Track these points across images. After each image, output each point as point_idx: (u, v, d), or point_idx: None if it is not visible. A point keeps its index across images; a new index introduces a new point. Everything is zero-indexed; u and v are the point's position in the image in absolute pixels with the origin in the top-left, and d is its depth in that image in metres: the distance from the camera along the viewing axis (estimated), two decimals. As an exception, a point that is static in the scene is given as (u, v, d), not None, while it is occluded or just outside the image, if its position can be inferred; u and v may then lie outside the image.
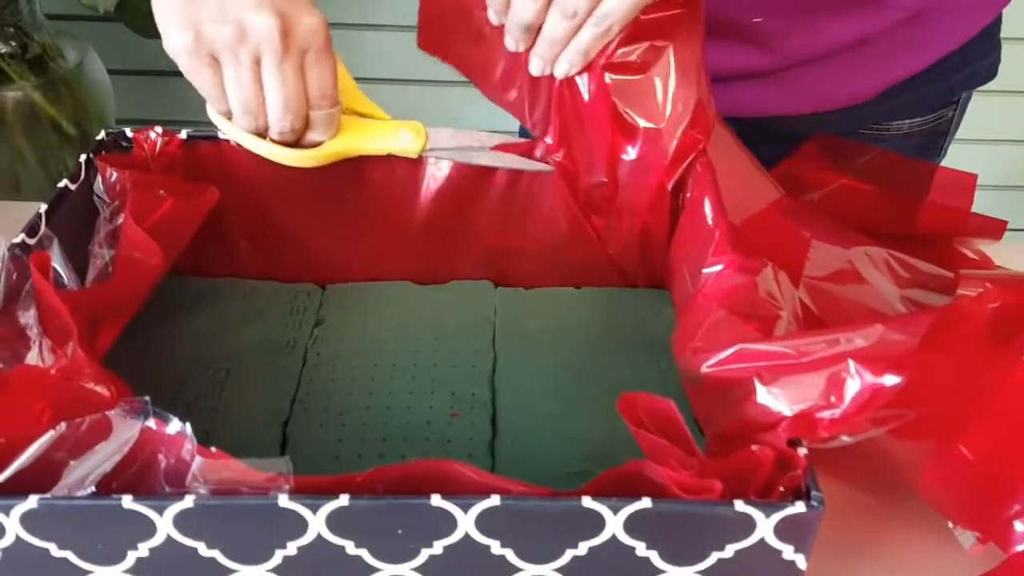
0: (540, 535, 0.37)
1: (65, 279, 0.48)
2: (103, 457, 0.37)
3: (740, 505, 0.36)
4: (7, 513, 0.36)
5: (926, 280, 0.58)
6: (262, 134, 0.54)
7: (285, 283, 0.63)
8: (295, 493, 0.36)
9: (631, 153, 0.56)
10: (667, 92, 0.53)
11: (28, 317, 0.45)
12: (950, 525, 0.45)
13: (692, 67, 0.53)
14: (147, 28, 1.20)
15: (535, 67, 0.55)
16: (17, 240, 0.48)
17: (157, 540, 0.37)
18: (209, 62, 0.50)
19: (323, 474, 0.37)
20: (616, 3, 0.50)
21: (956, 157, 0.77)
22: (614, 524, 0.36)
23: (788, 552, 0.37)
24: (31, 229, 0.49)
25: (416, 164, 0.59)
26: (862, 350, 0.38)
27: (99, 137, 0.58)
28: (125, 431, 0.38)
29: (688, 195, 0.55)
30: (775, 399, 0.39)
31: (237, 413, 0.53)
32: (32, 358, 0.43)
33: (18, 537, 0.37)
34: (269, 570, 0.38)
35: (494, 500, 0.36)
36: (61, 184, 0.53)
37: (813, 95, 0.71)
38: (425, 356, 0.57)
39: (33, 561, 0.37)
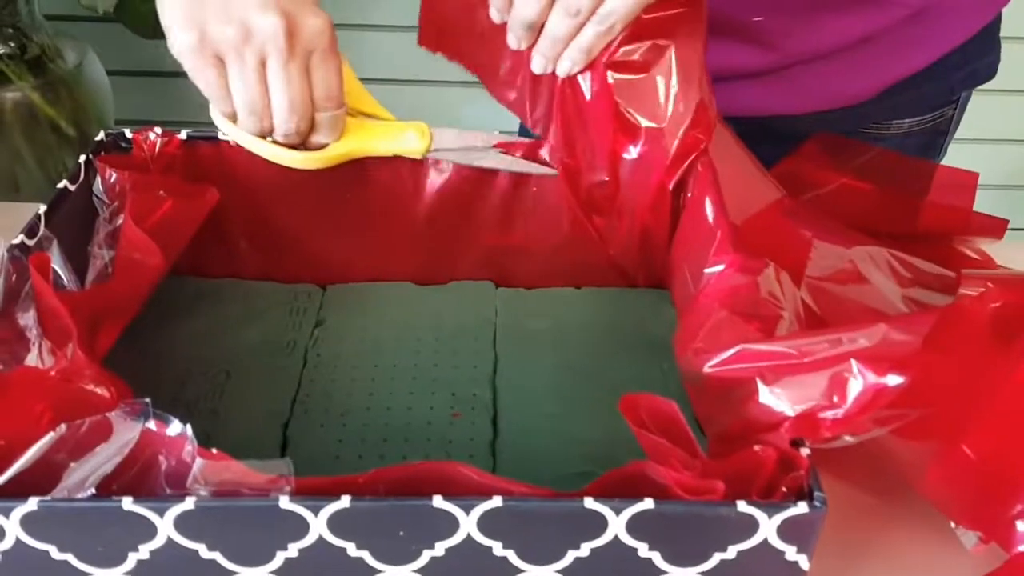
0: (542, 536, 0.37)
1: (65, 280, 0.48)
2: (103, 459, 0.37)
3: (742, 506, 0.36)
4: (7, 515, 0.36)
5: (928, 280, 0.58)
6: (266, 136, 0.54)
7: (285, 284, 0.63)
8: (296, 494, 0.36)
9: (633, 152, 0.55)
10: (669, 92, 0.53)
11: (27, 318, 0.45)
12: (952, 525, 0.45)
13: (694, 67, 0.53)
14: (146, 29, 1.21)
15: (537, 65, 0.55)
16: (16, 241, 0.48)
17: (158, 542, 0.37)
18: (214, 62, 0.50)
19: (324, 475, 0.37)
20: (619, 2, 0.50)
21: (956, 157, 0.77)
22: (616, 525, 0.36)
23: (791, 553, 0.37)
24: (30, 230, 0.49)
25: (417, 164, 0.59)
26: (865, 350, 0.38)
27: (98, 138, 0.58)
28: (125, 433, 0.37)
29: (689, 195, 0.54)
30: (777, 399, 0.39)
31: (237, 414, 0.53)
32: (32, 360, 0.43)
33: (18, 540, 0.37)
34: (270, 572, 0.38)
35: (496, 501, 0.36)
36: (60, 185, 0.53)
37: (814, 94, 0.71)
38: (426, 356, 0.57)
39: (33, 564, 0.37)
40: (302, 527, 0.36)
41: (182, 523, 0.36)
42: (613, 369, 0.56)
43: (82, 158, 0.55)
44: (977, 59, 0.73)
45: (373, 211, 0.61)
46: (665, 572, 0.38)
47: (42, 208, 0.51)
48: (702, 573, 0.38)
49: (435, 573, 0.38)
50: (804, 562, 0.38)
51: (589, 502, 0.36)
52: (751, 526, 0.36)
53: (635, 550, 0.37)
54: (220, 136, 0.57)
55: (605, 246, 0.61)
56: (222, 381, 0.55)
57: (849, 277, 0.57)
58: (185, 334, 0.58)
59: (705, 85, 0.54)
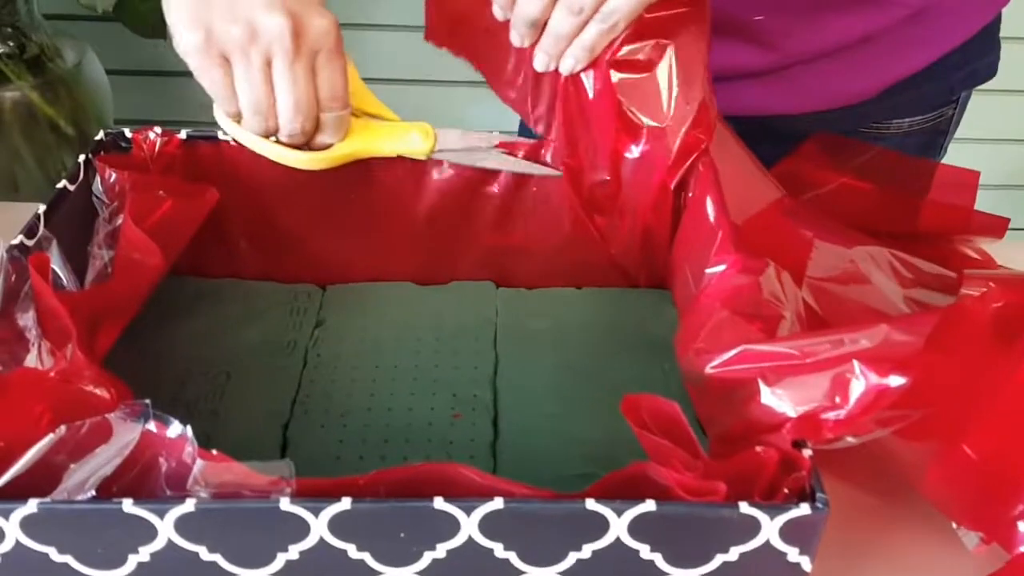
0: (544, 538, 0.37)
1: (64, 280, 0.48)
2: (103, 460, 0.37)
3: (745, 507, 0.36)
4: (6, 517, 0.36)
5: (929, 280, 0.58)
6: (271, 136, 0.54)
7: (285, 284, 0.63)
8: (297, 496, 0.36)
9: (634, 152, 0.55)
10: (671, 91, 0.53)
11: (27, 319, 0.44)
12: (954, 526, 0.45)
13: (696, 66, 0.53)
14: (145, 28, 1.21)
15: (540, 63, 0.55)
16: (16, 241, 0.48)
17: (158, 544, 0.37)
18: (220, 62, 0.50)
19: (324, 476, 0.37)
20: (622, 0, 0.50)
21: (956, 156, 0.77)
22: (618, 526, 0.36)
23: (793, 554, 0.37)
24: (30, 230, 0.49)
25: (417, 164, 0.59)
26: (867, 351, 0.38)
27: (98, 137, 0.58)
28: (125, 434, 0.37)
29: (690, 195, 0.54)
30: (779, 400, 0.39)
31: (237, 415, 0.52)
32: (31, 360, 0.43)
33: (17, 542, 0.37)
34: (271, 574, 0.38)
35: (497, 503, 0.36)
36: (60, 185, 0.53)
37: (815, 94, 0.71)
38: (426, 357, 0.57)
39: (33, 566, 0.37)
40: (303, 529, 0.36)
41: (182, 525, 0.36)
42: (614, 369, 0.56)
43: (81, 158, 0.55)
44: (977, 59, 0.73)
45: (373, 211, 0.61)
46: (667, 574, 0.38)
47: (41, 208, 0.50)
48: (704, 575, 0.38)
49: (436, 575, 0.38)
50: (806, 563, 0.38)
51: (591, 503, 0.36)
52: (753, 527, 0.36)
53: (637, 551, 0.37)
54: (220, 136, 0.57)
55: (606, 246, 0.61)
56: (222, 381, 0.55)
57: (850, 277, 0.57)
58: (185, 334, 0.58)
59: (707, 84, 0.54)
